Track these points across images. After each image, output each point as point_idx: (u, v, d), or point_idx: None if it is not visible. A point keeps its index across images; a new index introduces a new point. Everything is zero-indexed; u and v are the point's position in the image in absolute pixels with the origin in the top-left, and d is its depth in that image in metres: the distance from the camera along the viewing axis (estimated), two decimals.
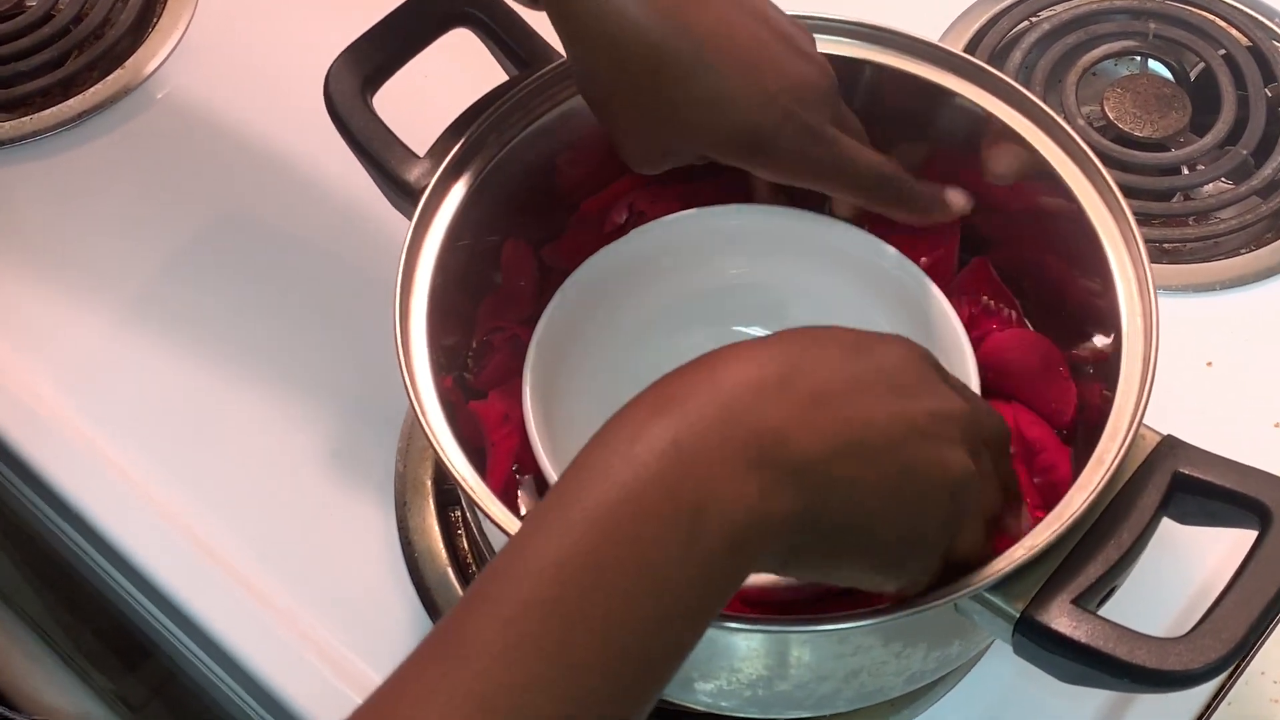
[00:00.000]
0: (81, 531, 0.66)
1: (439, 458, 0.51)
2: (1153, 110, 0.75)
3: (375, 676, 0.61)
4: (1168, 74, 0.78)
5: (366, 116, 0.59)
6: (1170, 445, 0.51)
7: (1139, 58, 0.79)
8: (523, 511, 0.58)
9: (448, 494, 0.65)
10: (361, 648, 0.62)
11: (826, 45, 0.61)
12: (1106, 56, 0.78)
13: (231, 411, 0.68)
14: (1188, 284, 0.71)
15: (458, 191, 0.58)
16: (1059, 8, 0.80)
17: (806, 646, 0.50)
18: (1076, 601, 0.48)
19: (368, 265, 0.70)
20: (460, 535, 0.64)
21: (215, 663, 0.64)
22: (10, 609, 0.84)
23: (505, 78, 0.61)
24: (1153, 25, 0.79)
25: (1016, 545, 0.49)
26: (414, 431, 0.66)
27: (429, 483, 0.65)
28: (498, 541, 0.56)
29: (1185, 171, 0.75)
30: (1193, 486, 0.50)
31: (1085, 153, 0.58)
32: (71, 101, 0.77)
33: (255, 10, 0.81)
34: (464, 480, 0.51)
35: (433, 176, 0.58)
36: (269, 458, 0.66)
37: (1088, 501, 0.49)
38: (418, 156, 0.59)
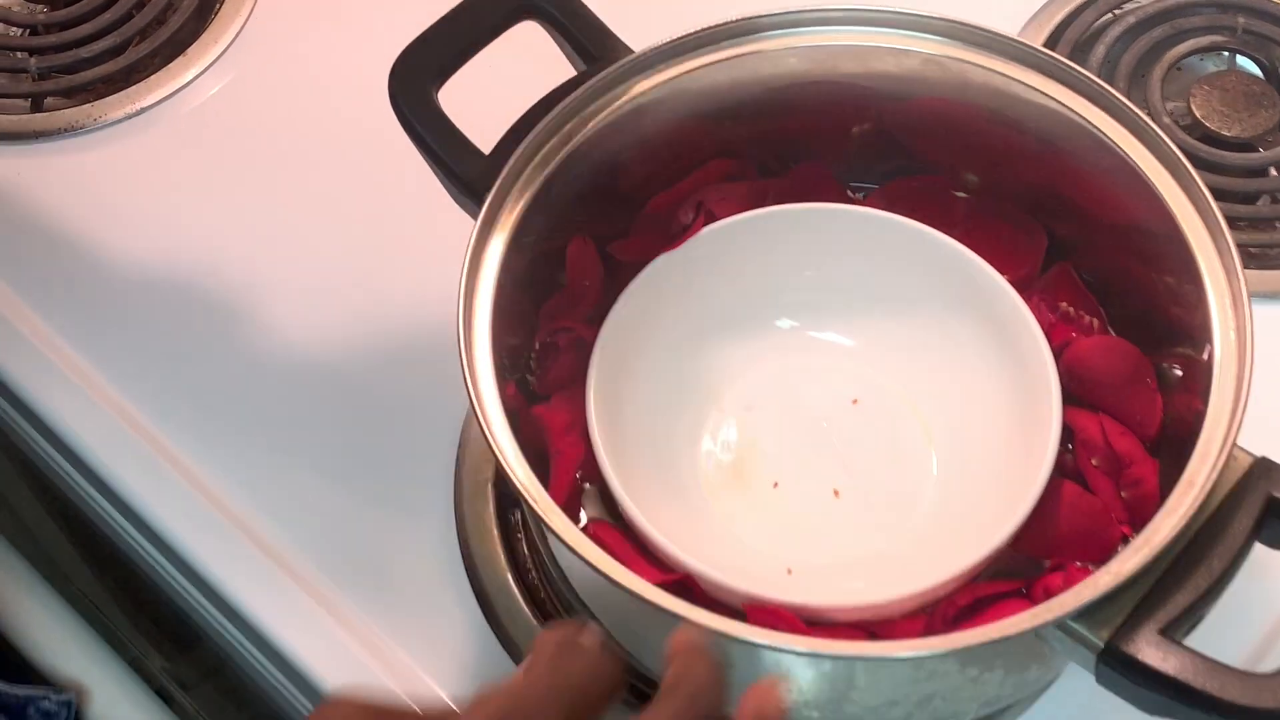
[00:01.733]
0: (138, 527, 0.66)
1: (501, 468, 0.49)
2: (1241, 109, 0.73)
3: (430, 682, 0.60)
4: (1257, 70, 0.75)
5: (432, 113, 0.57)
6: (1264, 468, 0.49)
7: (1227, 53, 0.76)
8: (583, 521, 0.57)
9: (508, 496, 0.64)
10: (418, 652, 0.60)
11: (899, 41, 0.59)
12: (1193, 52, 0.75)
13: (290, 409, 0.67)
14: (1276, 291, 0.68)
15: (523, 190, 0.57)
16: (1144, 0, 0.77)
17: (881, 671, 0.48)
18: (1164, 632, 0.46)
19: (430, 261, 0.68)
20: (520, 540, 0.63)
21: (269, 660, 0.63)
22: (65, 590, 0.84)
23: (573, 72, 0.60)
24: (1241, 19, 0.76)
25: (1102, 570, 0.47)
26: (473, 431, 0.65)
27: (489, 485, 0.64)
28: (560, 551, 0.55)
29: (1274, 173, 0.72)
30: None
31: (1177, 157, 0.55)
32: (133, 89, 0.76)
33: None
34: (527, 492, 0.49)
35: (498, 176, 0.56)
36: (326, 456, 0.65)
37: (1177, 527, 0.47)
38: (483, 154, 0.57)
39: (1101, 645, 0.46)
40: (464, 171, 0.57)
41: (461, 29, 0.58)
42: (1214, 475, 0.48)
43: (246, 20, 0.79)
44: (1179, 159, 0.55)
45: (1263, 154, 0.72)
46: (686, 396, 0.61)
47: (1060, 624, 0.46)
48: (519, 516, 0.64)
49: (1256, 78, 0.74)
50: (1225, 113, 0.73)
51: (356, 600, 0.62)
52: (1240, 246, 0.68)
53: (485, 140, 0.58)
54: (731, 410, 0.61)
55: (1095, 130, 0.57)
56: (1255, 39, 0.76)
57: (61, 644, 0.72)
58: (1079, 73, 0.57)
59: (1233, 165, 0.72)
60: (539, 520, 0.48)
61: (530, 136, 0.57)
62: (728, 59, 0.59)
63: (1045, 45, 0.76)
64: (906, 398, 0.61)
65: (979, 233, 0.62)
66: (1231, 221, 0.69)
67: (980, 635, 0.45)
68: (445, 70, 0.58)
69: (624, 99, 0.58)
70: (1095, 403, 0.58)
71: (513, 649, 0.60)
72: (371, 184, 0.72)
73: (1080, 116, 0.57)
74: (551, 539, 0.51)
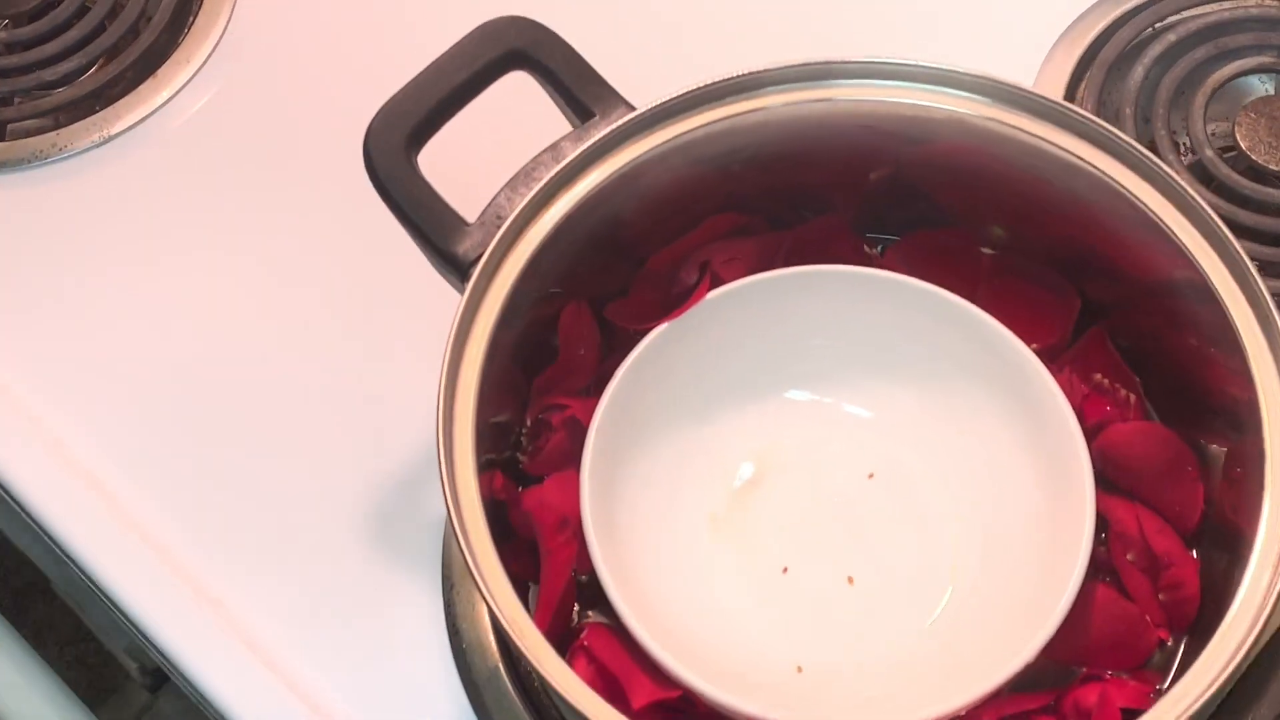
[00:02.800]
0: (108, 600, 0.62)
1: (490, 607, 0.45)
2: None
3: None
4: None
5: (412, 181, 0.52)
6: None
7: (1276, 75, 0.70)
8: (575, 620, 0.53)
9: None
10: None
11: (919, 97, 0.54)
12: (1240, 74, 0.70)
13: (269, 481, 0.63)
14: None
15: (512, 263, 0.52)
16: (1186, 14, 0.72)
17: None
18: None
19: (420, 311, 0.63)
20: None
21: None
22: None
23: (566, 127, 0.55)
24: None
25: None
26: None
27: None
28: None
29: None
30: None
31: (1216, 225, 0.51)
32: (102, 114, 0.71)
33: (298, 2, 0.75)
34: (513, 626, 0.45)
35: (485, 249, 0.51)
36: (308, 533, 0.61)
37: (1223, 675, 0.43)
38: (467, 224, 0.52)
39: None
40: (448, 245, 0.52)
41: (443, 82, 0.53)
42: (1267, 611, 0.43)
43: (222, 34, 0.74)
44: (1214, 222, 0.51)
45: None
46: (691, 475, 0.57)
47: None
48: None
49: None
50: (1272, 144, 0.67)
51: (338, 688, 0.58)
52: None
53: (470, 204, 0.53)
54: (738, 490, 0.57)
55: (1124, 190, 0.53)
56: None
57: None
58: (1106, 130, 0.53)
59: (1279, 203, 0.66)
60: (531, 666, 0.45)
61: (520, 204, 0.52)
62: (733, 115, 0.54)
63: (1079, 64, 0.71)
64: (927, 475, 0.57)
65: (1006, 293, 0.58)
66: (1274, 267, 0.65)
67: None
68: (425, 130, 0.53)
69: (623, 159, 0.54)
70: (1131, 491, 0.54)
71: None
72: (359, 211, 0.66)
73: (1108, 175, 0.53)
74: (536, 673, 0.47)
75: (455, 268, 0.52)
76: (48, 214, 0.70)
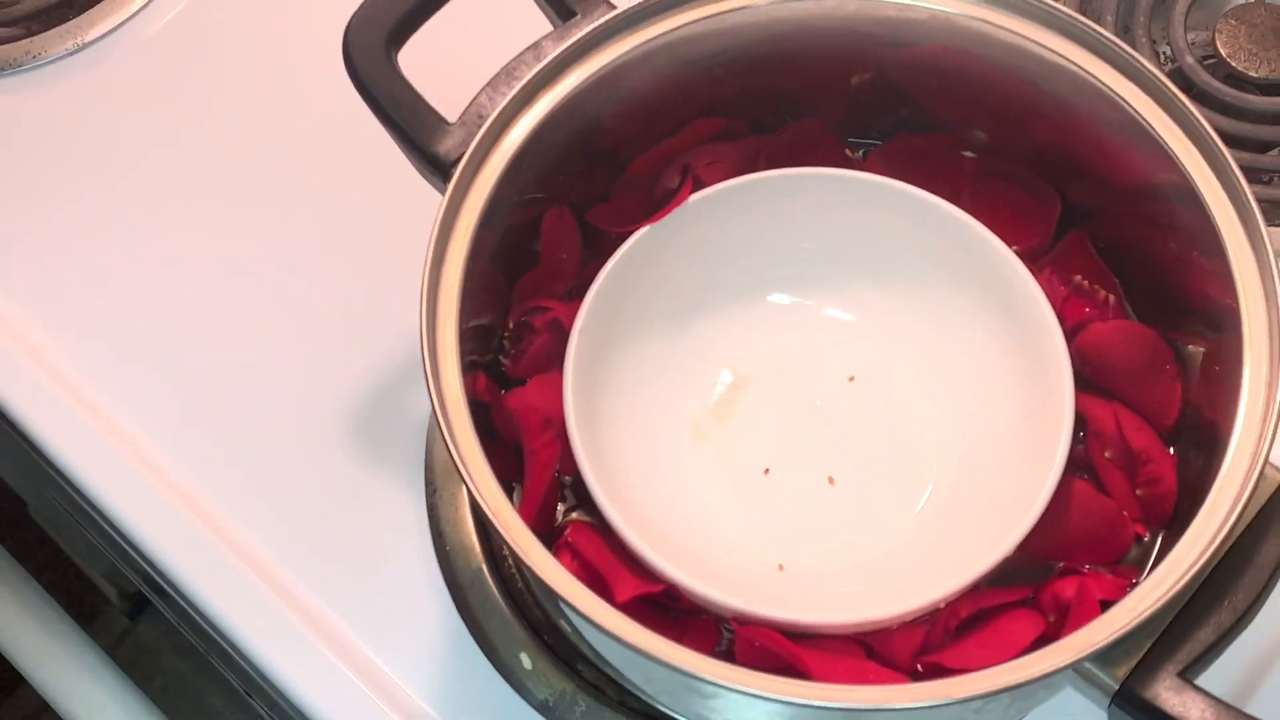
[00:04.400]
0: (97, 513, 0.62)
1: (475, 500, 0.45)
2: (1270, 46, 0.67)
3: (399, 681, 0.57)
4: None
5: (392, 79, 0.52)
6: None
7: None
8: (559, 519, 0.53)
9: None
10: (389, 649, 0.57)
11: None
12: None
13: (252, 391, 0.63)
14: None
15: (494, 163, 0.52)
16: None
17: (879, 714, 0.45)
18: (1184, 674, 0.43)
19: (402, 218, 0.64)
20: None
21: (238, 659, 0.60)
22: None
23: (547, 27, 0.54)
24: None
25: (1119, 606, 0.43)
26: None
27: None
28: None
29: None
30: None
31: (1200, 126, 0.51)
32: (76, 21, 0.71)
33: None
34: (498, 517, 0.46)
35: (466, 149, 0.51)
36: (292, 441, 0.61)
37: (1201, 560, 0.43)
38: (448, 124, 0.52)
39: (1116, 687, 0.43)
40: (429, 145, 0.52)
41: None
42: (1243, 501, 0.44)
43: None
44: (1200, 125, 0.51)
45: None
46: (673, 378, 0.57)
47: (1076, 666, 0.43)
48: None
49: None
50: (1253, 50, 0.68)
51: (325, 596, 0.58)
52: (1270, 202, 0.65)
53: (451, 104, 0.53)
54: (720, 393, 0.57)
55: (1110, 91, 0.52)
56: None
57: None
58: (1091, 29, 0.52)
59: (1260, 110, 0.67)
60: (514, 555, 0.45)
61: (502, 103, 0.52)
62: (715, 14, 0.54)
63: None
64: (908, 377, 0.57)
65: (988, 196, 0.58)
66: (1255, 174, 0.66)
67: (990, 682, 0.42)
68: (406, 28, 0.53)
69: (604, 59, 0.53)
70: (1110, 390, 0.54)
71: (486, 644, 0.57)
72: (342, 124, 0.66)
73: (1093, 76, 0.53)
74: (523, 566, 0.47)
75: (437, 168, 0.52)
76: (22, 121, 0.69)
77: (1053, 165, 0.57)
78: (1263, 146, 0.66)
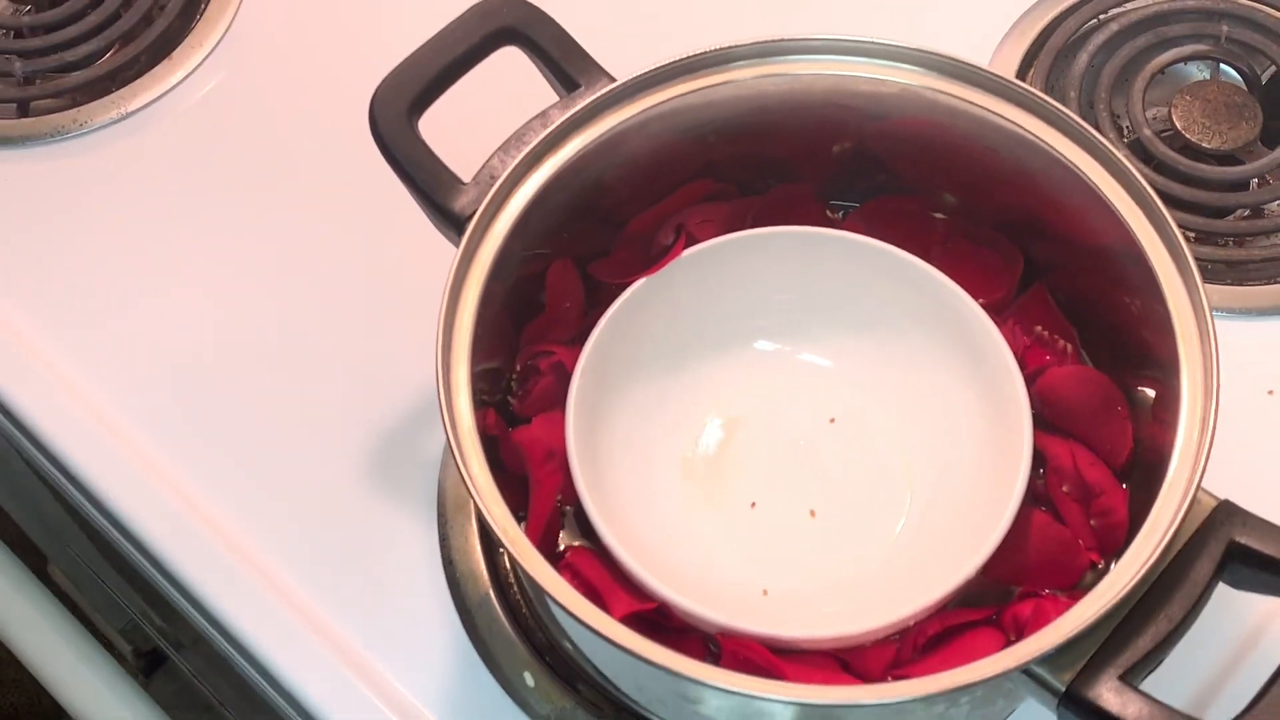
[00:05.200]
0: (117, 529, 0.67)
1: (484, 520, 0.50)
2: (1222, 120, 0.73)
3: (408, 694, 0.61)
4: (1239, 79, 0.76)
5: (413, 143, 0.58)
6: (1227, 512, 0.50)
7: (1210, 62, 0.76)
8: (561, 546, 0.58)
9: None
10: (398, 664, 0.62)
11: (875, 70, 0.59)
12: (1176, 60, 0.75)
13: (275, 423, 0.67)
14: (1252, 307, 0.69)
15: (504, 220, 0.57)
16: (1128, 6, 0.77)
17: (851, 714, 0.49)
18: (1124, 677, 0.47)
19: (419, 263, 0.68)
20: (503, 555, 0.64)
21: (249, 665, 0.65)
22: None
23: (553, 98, 0.60)
24: (1225, 27, 0.76)
25: (1065, 616, 0.48)
26: None
27: (471, 503, 0.65)
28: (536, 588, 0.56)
29: (1254, 186, 0.72)
30: (1249, 557, 0.49)
31: (1143, 188, 0.56)
32: (120, 93, 0.76)
33: None
34: (504, 533, 0.50)
35: (479, 205, 0.57)
36: (311, 471, 0.66)
37: (1140, 574, 0.48)
38: (463, 183, 0.58)
39: (1062, 689, 0.47)
40: (445, 202, 0.57)
41: (442, 55, 0.59)
42: (1177, 522, 0.49)
43: (232, 21, 0.79)
44: (1145, 190, 0.56)
45: (1243, 167, 0.72)
46: (666, 418, 0.62)
47: (1023, 669, 0.47)
48: None
49: (1239, 88, 0.75)
50: (1206, 124, 0.73)
51: (338, 613, 0.63)
52: (1220, 262, 0.70)
53: (466, 165, 0.58)
54: (710, 431, 0.62)
55: (1065, 160, 0.58)
56: (1239, 48, 0.76)
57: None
58: (1055, 108, 0.58)
59: (1212, 179, 0.72)
60: (515, 563, 0.49)
61: (511, 165, 0.57)
62: (706, 87, 0.59)
63: (1028, 52, 0.77)
64: (883, 419, 0.62)
65: (956, 254, 0.63)
66: (1209, 236, 0.71)
67: (945, 682, 0.46)
68: (425, 98, 0.59)
69: (605, 126, 0.59)
70: (1067, 429, 0.59)
71: (492, 663, 0.61)
72: (361, 191, 0.72)
73: (1050, 146, 0.58)
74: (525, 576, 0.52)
75: (452, 223, 0.57)
76: (68, 184, 0.75)
77: (1015, 226, 0.63)
78: (1218, 212, 0.71)
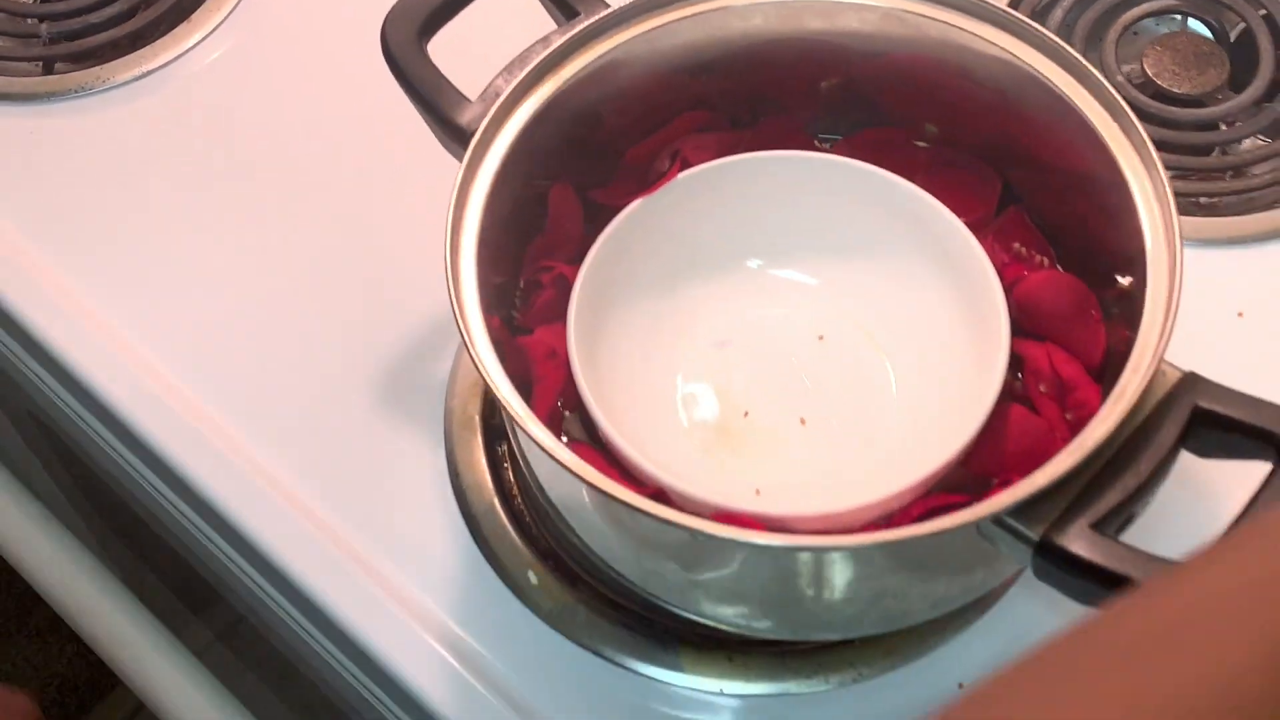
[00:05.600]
0: (141, 457, 0.70)
1: (487, 385, 0.53)
2: (1191, 67, 0.77)
3: (424, 598, 0.64)
4: (1207, 32, 0.79)
5: (421, 62, 0.61)
6: (1191, 381, 0.53)
7: (1179, 16, 0.80)
8: (563, 440, 0.61)
9: (495, 430, 0.68)
10: (410, 568, 0.64)
11: None
12: (1147, 15, 0.79)
13: (288, 347, 0.71)
14: (1223, 237, 0.72)
15: (507, 135, 0.60)
16: None
17: (831, 567, 0.52)
18: (1095, 526, 0.49)
19: (422, 206, 0.72)
20: (506, 468, 0.67)
21: (267, 580, 0.67)
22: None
23: (553, 26, 0.63)
24: None
25: (1038, 471, 0.51)
26: (462, 368, 0.69)
27: (477, 418, 0.68)
28: (541, 468, 0.59)
29: (1223, 128, 0.76)
30: (1211, 420, 0.52)
31: (1116, 100, 0.59)
32: (140, 53, 0.80)
33: None
34: (510, 406, 0.53)
35: (483, 120, 0.60)
36: (323, 392, 0.69)
37: (1108, 432, 0.51)
38: (469, 100, 0.61)
39: (1037, 539, 0.50)
40: (451, 116, 0.61)
41: None
42: (1142, 385, 0.52)
43: None
44: (1118, 101, 0.59)
45: (1212, 109, 0.76)
46: (662, 331, 0.65)
47: (998, 519, 0.50)
48: (505, 448, 0.68)
49: (1206, 39, 0.78)
50: (1176, 71, 0.77)
51: (352, 522, 0.66)
52: (1192, 196, 0.73)
53: (471, 89, 0.62)
54: (704, 344, 0.65)
55: (1044, 79, 0.61)
56: (1206, 3, 0.79)
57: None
58: (1029, 25, 0.61)
59: (1183, 120, 0.75)
60: (520, 431, 0.52)
61: (513, 84, 0.61)
62: (699, 14, 0.63)
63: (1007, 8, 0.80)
64: (868, 333, 0.65)
65: (938, 179, 0.66)
66: (1184, 173, 0.74)
67: (922, 529, 0.49)
68: (434, 23, 0.62)
69: (601, 51, 0.62)
70: (1044, 334, 0.62)
71: (498, 564, 0.64)
72: (369, 135, 0.76)
73: (1031, 67, 0.61)
74: (532, 451, 0.55)
75: (458, 137, 0.61)
76: (92, 138, 0.78)
77: (994, 152, 0.66)
78: (1191, 150, 0.75)
